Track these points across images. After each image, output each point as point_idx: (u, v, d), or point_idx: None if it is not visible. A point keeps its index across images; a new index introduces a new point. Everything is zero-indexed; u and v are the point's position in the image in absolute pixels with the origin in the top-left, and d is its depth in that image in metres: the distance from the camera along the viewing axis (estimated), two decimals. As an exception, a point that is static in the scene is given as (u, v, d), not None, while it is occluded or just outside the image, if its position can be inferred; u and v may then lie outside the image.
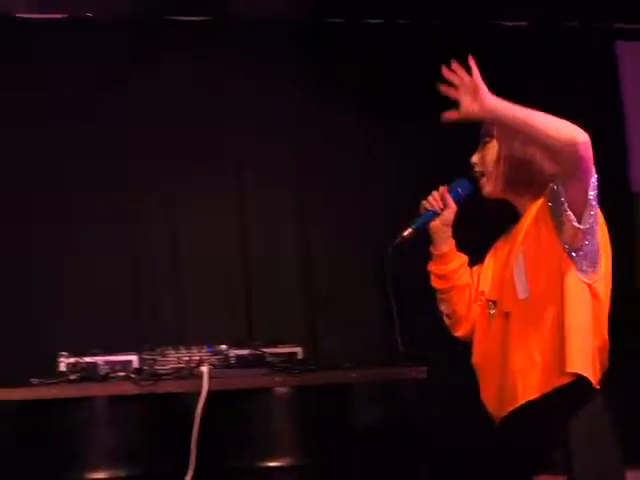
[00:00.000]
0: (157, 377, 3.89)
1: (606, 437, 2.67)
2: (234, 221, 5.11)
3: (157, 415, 3.91)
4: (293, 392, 3.88)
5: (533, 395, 2.67)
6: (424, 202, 2.99)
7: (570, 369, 2.61)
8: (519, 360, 2.70)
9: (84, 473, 3.75)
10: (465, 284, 2.99)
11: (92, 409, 3.80)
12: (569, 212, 2.62)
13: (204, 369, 3.85)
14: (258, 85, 5.12)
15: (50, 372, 4.00)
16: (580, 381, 2.62)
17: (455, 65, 2.62)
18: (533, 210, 2.78)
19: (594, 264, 2.71)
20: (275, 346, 4.18)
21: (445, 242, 2.99)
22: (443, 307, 3.06)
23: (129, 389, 3.82)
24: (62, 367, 4.00)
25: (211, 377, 3.81)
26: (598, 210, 2.70)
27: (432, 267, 3.04)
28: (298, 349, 4.18)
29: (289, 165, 5.15)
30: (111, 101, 5.00)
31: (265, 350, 4.11)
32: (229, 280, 5.04)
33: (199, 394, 3.77)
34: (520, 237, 2.78)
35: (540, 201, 2.76)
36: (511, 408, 2.71)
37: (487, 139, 2.89)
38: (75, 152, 4.96)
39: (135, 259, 5.00)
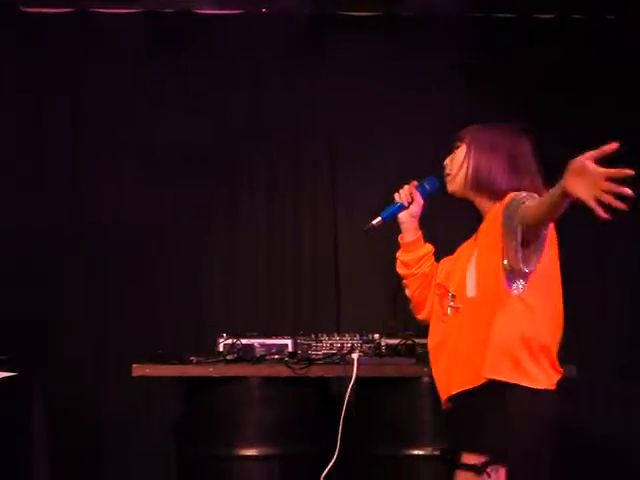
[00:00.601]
0: (309, 361, 4.07)
1: (543, 436, 2.85)
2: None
3: (307, 398, 4.08)
4: (440, 383, 3.98)
5: (463, 387, 2.92)
6: (395, 194, 3.22)
7: (483, 373, 2.86)
8: (460, 353, 2.95)
9: (235, 449, 3.97)
10: (426, 273, 3.22)
11: (246, 389, 4.01)
12: (520, 254, 2.80)
13: (354, 356, 3.98)
14: (426, 82, 5.18)
15: (210, 352, 4.27)
16: (497, 383, 2.84)
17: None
18: (493, 215, 2.95)
19: (526, 278, 2.88)
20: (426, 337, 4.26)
21: (411, 232, 3.23)
22: (406, 291, 3.30)
23: (282, 371, 4.01)
24: (220, 347, 4.25)
25: (360, 364, 3.94)
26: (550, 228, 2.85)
27: (398, 254, 3.28)
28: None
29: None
30: (282, 96, 5.22)
31: (416, 340, 4.21)
32: (386, 274, 5.09)
33: (349, 380, 3.91)
34: (480, 240, 3.00)
35: (499, 206, 2.91)
36: (450, 394, 2.99)
37: (458, 143, 3.10)
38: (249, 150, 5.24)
39: (299, 250, 5.22)
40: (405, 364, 4.05)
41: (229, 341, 4.25)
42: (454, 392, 2.97)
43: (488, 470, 2.82)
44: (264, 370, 4.05)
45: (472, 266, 2.96)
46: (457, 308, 3.02)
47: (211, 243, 5.18)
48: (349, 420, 3.90)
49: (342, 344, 4.22)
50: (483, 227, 3.02)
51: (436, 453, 3.86)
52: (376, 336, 4.28)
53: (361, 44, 5.20)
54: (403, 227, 3.25)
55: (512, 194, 2.88)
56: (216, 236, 5.21)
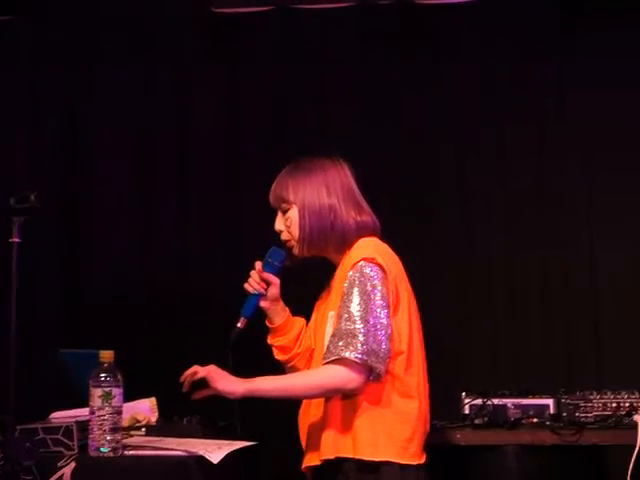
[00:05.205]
0: (579, 426, 3.95)
1: None
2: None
3: (577, 470, 3.97)
4: None
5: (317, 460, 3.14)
6: (246, 285, 3.31)
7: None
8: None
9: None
10: (307, 348, 3.35)
11: (500, 458, 3.94)
12: None
13: (638, 418, 3.88)
14: None
15: (453, 414, 4.16)
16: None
17: None
18: (343, 265, 3.17)
19: None
20: None
21: (279, 314, 3.35)
22: None
23: (545, 438, 3.92)
24: (466, 409, 4.16)
25: (646, 428, 3.77)
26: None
27: (271, 340, 3.38)
28: None
29: None
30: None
31: None
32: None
33: (632, 448, 3.78)
34: (333, 295, 3.19)
35: (347, 263, 3.13)
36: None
37: (284, 205, 3.25)
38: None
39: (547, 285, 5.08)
40: None
41: (477, 401, 4.16)
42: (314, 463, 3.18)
43: None
44: (522, 436, 3.97)
45: (330, 329, 3.11)
46: None
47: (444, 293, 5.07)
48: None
49: (618, 403, 4.09)
50: (336, 279, 3.20)
51: None
52: (656, 393, 4.09)
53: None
54: (268, 313, 3.35)
55: (360, 263, 3.09)
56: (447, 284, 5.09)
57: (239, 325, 3.30)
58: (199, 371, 3.10)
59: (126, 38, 5.24)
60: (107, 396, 3.18)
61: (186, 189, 5.21)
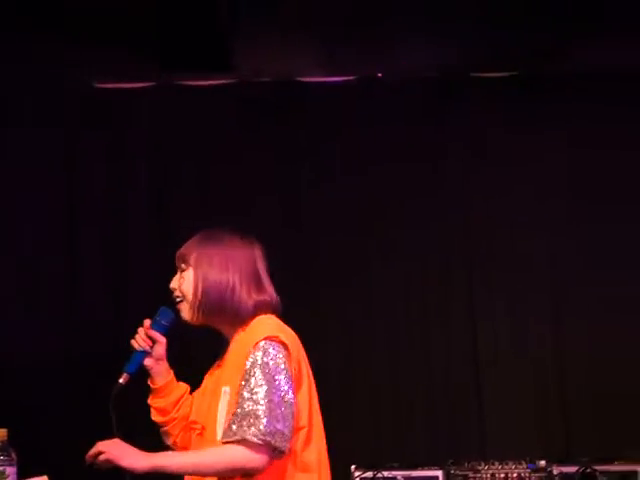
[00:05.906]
0: (468, 497, 3.99)
1: None
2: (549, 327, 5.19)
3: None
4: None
5: None
6: (132, 341, 3.28)
7: None
8: None
9: None
10: (186, 415, 3.33)
11: None
12: None
13: None
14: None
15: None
16: None
17: None
18: (240, 341, 3.15)
19: None
20: (610, 463, 4.19)
21: (162, 375, 3.34)
22: (165, 439, 3.39)
23: None
24: (357, 483, 4.19)
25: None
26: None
27: (151, 401, 3.37)
28: (638, 467, 4.17)
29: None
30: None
31: (597, 468, 4.14)
32: (541, 388, 5.11)
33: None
34: (227, 370, 3.18)
35: (248, 340, 3.10)
36: None
37: (183, 266, 3.24)
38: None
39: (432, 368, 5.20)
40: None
41: (367, 474, 4.22)
42: None
43: None
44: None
45: (224, 404, 3.12)
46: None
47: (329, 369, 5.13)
48: None
49: (506, 474, 4.16)
50: (230, 354, 3.19)
51: None
52: (542, 463, 4.22)
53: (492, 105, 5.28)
54: (152, 372, 3.35)
55: (263, 342, 3.06)
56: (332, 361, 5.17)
57: (121, 381, 3.26)
58: (102, 451, 3.04)
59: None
60: (1, 475, 3.15)
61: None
